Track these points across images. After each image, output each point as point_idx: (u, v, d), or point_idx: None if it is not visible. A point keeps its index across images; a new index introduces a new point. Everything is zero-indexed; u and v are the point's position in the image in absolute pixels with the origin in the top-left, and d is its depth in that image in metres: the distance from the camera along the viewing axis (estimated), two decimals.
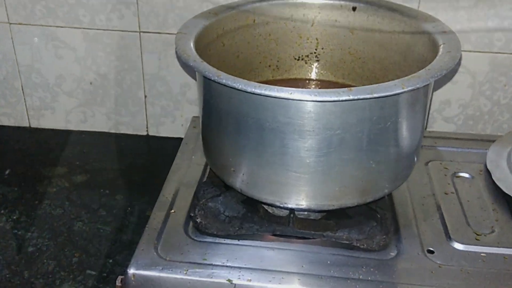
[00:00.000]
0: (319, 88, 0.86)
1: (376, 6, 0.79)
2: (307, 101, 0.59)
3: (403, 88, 0.58)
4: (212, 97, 0.66)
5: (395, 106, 0.62)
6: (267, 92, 0.57)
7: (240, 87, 0.58)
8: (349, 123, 0.60)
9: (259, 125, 0.61)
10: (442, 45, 0.68)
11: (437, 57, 0.65)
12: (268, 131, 0.61)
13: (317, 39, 0.84)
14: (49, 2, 0.92)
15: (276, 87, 0.58)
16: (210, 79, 0.61)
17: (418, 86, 0.60)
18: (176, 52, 0.85)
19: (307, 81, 0.87)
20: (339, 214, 0.70)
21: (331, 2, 0.81)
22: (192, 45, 0.68)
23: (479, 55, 0.89)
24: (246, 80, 0.59)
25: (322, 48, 0.85)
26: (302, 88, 0.76)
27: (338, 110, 0.59)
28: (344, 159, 0.62)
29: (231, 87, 0.59)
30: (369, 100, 0.59)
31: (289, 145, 0.61)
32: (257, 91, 0.58)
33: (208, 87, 0.66)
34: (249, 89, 0.58)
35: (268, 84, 0.58)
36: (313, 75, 0.87)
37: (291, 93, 0.57)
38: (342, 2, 0.81)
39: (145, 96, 0.99)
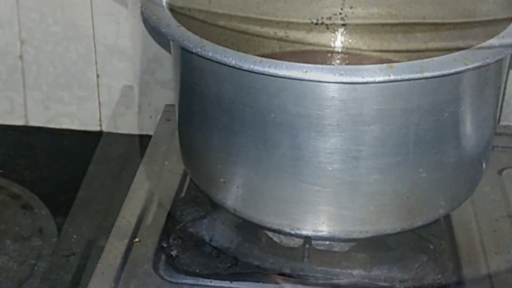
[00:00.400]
0: (346, 64, 0.86)
1: None
2: (329, 83, 0.59)
3: (466, 65, 0.58)
4: (193, 77, 0.66)
5: (455, 90, 0.62)
6: (272, 70, 0.57)
7: (233, 62, 0.58)
8: (390, 114, 0.60)
9: (260, 117, 0.62)
10: None
11: None
12: (273, 126, 0.62)
13: None
14: None
15: (285, 62, 0.57)
16: (191, 52, 0.61)
17: (488, 61, 0.60)
18: (141, 13, 0.85)
19: (329, 55, 0.87)
20: (375, 244, 0.70)
21: None
22: (165, 3, 0.68)
23: None
24: (242, 53, 0.59)
25: (351, 7, 0.85)
26: (322, 64, 0.76)
27: (374, 96, 0.60)
28: (382, 165, 0.62)
29: (220, 63, 0.59)
30: (418, 82, 0.59)
31: (304, 145, 0.62)
32: (258, 68, 0.58)
33: (188, 63, 0.66)
34: (246, 66, 0.58)
35: (274, 58, 0.58)
36: (337, 46, 0.87)
37: (306, 71, 0.57)
38: None
39: (98, 76, 0.99)
